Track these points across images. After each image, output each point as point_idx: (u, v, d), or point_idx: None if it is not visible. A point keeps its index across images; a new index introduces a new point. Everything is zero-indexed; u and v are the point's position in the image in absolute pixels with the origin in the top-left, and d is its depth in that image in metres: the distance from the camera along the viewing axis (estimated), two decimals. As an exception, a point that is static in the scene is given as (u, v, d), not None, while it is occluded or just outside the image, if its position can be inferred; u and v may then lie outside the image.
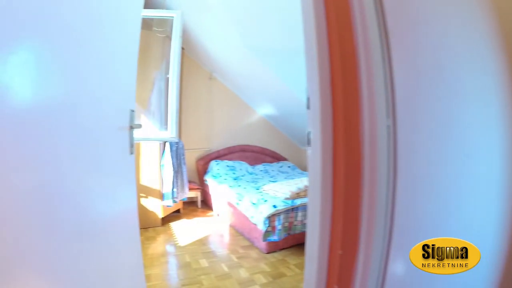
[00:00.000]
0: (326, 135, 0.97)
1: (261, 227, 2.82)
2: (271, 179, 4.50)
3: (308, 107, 1.04)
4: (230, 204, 3.68)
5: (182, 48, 4.40)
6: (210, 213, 4.46)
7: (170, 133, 2.93)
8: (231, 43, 4.01)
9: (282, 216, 2.86)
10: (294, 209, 2.96)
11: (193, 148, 5.12)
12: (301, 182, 3.41)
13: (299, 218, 2.97)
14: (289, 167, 5.49)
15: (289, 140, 6.23)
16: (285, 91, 4.43)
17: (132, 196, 1.72)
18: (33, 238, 0.85)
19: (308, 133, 1.06)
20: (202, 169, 5.01)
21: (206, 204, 4.88)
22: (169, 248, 3.13)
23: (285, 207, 2.90)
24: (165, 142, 3.86)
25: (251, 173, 4.96)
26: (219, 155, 5.26)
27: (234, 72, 4.90)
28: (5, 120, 0.74)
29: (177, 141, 3.35)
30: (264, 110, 5.70)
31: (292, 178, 4.44)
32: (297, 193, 3.09)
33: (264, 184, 3.83)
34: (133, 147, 1.65)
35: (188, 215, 4.34)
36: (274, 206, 2.87)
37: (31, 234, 0.84)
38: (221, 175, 4.64)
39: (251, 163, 5.45)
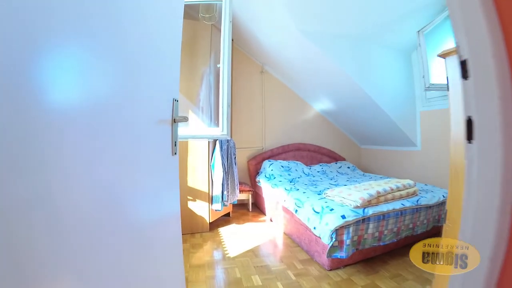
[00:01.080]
0: (508, 120, 0.52)
1: (326, 240, 2.37)
2: (332, 181, 4.02)
3: (465, 75, 0.59)
4: (286, 210, 3.28)
5: (231, 40, 4.09)
6: (262, 217, 4.09)
7: (221, 130, 2.61)
8: (284, 28, 3.59)
9: (351, 229, 2.38)
10: (365, 219, 2.47)
11: (244, 147, 4.81)
12: (371, 187, 2.88)
13: (370, 231, 2.47)
14: (348, 167, 4.95)
15: (347, 138, 5.68)
16: (346, 82, 3.94)
17: (175, 200, 1.40)
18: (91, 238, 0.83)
19: (468, 120, 0.61)
20: (253, 169, 4.67)
21: (257, 207, 4.53)
22: (217, 258, 2.79)
23: (355, 217, 2.42)
24: (215, 141, 3.57)
25: (307, 174, 4.52)
26: (273, 154, 4.88)
27: (288, 63, 4.48)
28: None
29: (228, 138, 3.02)
30: (321, 105, 5.21)
31: (356, 181, 3.92)
32: (369, 201, 2.58)
33: (325, 188, 3.37)
34: (176, 146, 1.32)
35: (239, 219, 4.01)
36: (343, 217, 2.40)
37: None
38: (275, 176, 4.25)
39: (307, 163, 5.00)
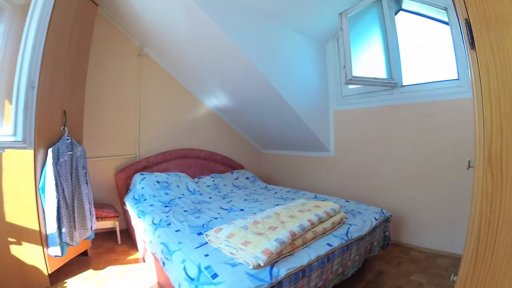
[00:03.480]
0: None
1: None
2: (224, 203, 2.99)
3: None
4: (154, 256, 2.13)
5: (95, 3, 2.81)
6: (134, 254, 2.90)
7: (12, 133, 1.43)
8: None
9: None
10: (275, 287, 1.45)
11: (109, 155, 3.49)
12: (279, 221, 1.97)
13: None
14: (247, 178, 4.10)
15: (246, 141, 4.80)
16: (247, 71, 3.04)
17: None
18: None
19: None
20: (123, 185, 3.39)
21: (130, 236, 3.31)
22: None
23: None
24: (46, 152, 2.27)
25: (193, 192, 3.38)
26: (149, 165, 3.66)
27: (174, 44, 3.33)
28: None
29: (25, 146, 1.83)
30: (214, 100, 4.19)
31: (256, 200, 3.01)
32: (279, 252, 1.59)
33: (212, 219, 2.34)
34: None
35: (100, 259, 2.73)
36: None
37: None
38: (145, 197, 3.02)
39: (195, 175, 3.96)
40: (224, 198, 3.21)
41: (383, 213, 2.56)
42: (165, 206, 2.83)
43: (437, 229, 2.83)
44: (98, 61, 3.32)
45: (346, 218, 2.25)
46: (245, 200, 3.09)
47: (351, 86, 3.56)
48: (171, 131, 4.01)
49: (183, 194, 3.27)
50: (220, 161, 4.31)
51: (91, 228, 2.57)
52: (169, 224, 2.25)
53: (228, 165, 4.39)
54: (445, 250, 2.76)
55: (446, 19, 2.78)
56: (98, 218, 2.94)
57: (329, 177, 3.81)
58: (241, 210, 2.66)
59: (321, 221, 1.99)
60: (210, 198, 3.22)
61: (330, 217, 2.09)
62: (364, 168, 3.42)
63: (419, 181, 2.96)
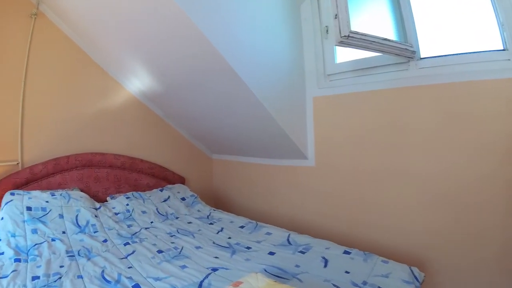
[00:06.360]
0: None
1: None
2: (118, 256, 1.70)
3: None
4: None
5: None
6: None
7: None
8: None
9: None
10: None
11: None
12: None
13: None
14: (183, 199, 2.75)
15: (188, 142, 3.48)
16: (188, 36, 1.82)
17: None
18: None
19: None
20: None
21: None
22: None
23: None
24: None
25: (82, 229, 1.99)
26: (34, 177, 2.34)
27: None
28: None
29: None
30: (138, 83, 2.86)
31: (179, 253, 1.76)
32: None
33: None
34: None
35: None
36: None
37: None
38: (0, 238, 1.72)
39: (108, 192, 2.63)
40: (126, 245, 1.87)
41: (413, 275, 1.38)
42: (15, 260, 1.54)
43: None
44: None
45: None
46: (158, 252, 1.78)
47: (339, 60, 2.36)
48: (74, 127, 2.64)
49: (63, 232, 1.94)
50: (147, 171, 2.96)
51: None
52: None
53: (160, 177, 3.04)
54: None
55: None
56: None
57: (308, 199, 2.58)
58: (135, 286, 1.36)
59: None
60: (104, 241, 1.89)
61: None
62: (360, 185, 2.23)
63: (449, 206, 1.82)
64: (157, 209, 2.45)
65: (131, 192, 2.61)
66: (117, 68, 2.78)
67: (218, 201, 3.51)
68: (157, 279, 1.43)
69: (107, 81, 2.83)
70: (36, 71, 2.42)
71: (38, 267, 1.49)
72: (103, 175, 2.68)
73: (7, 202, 1.96)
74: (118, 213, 2.29)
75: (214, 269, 1.53)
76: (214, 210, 2.65)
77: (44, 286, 1.32)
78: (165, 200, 2.60)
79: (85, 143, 2.69)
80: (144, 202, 2.49)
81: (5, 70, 2.28)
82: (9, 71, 2.31)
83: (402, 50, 1.91)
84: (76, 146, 2.63)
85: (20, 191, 2.12)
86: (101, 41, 2.53)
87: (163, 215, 2.41)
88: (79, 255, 1.68)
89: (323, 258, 1.61)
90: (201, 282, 1.39)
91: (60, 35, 2.54)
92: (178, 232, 2.11)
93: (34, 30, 2.39)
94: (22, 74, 2.35)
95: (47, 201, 2.08)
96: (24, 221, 1.87)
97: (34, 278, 1.38)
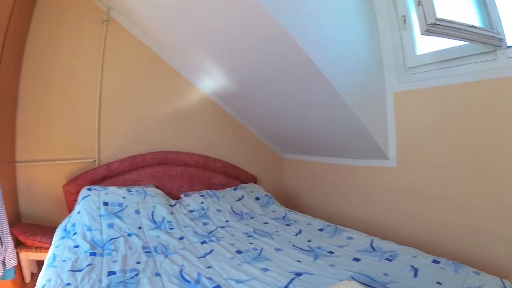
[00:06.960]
0: None
1: None
2: (196, 255, 1.60)
3: None
4: None
5: None
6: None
7: None
8: None
9: None
10: None
11: (57, 158, 2.31)
12: None
13: None
14: (257, 199, 2.60)
15: (259, 141, 3.34)
16: (267, 32, 1.71)
17: None
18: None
19: None
20: (74, 202, 2.14)
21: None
22: None
23: None
24: None
25: (158, 225, 1.96)
26: (110, 174, 2.41)
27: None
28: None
29: None
30: (211, 83, 2.81)
31: (259, 254, 1.62)
32: None
33: None
34: None
35: None
36: None
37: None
38: (76, 230, 1.73)
39: (182, 189, 2.63)
40: (203, 243, 1.76)
41: None
42: (91, 254, 1.51)
43: None
44: (40, 35, 2.24)
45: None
46: (237, 253, 1.65)
47: (419, 51, 2.01)
48: (147, 127, 2.69)
49: (139, 228, 1.91)
50: (219, 170, 2.88)
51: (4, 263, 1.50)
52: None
53: (232, 176, 2.95)
54: None
55: None
56: (30, 248, 1.90)
57: (390, 202, 2.24)
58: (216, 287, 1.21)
59: None
60: (180, 238, 1.81)
61: None
62: (447, 189, 1.85)
63: None
64: (231, 208, 2.33)
65: (205, 190, 2.55)
66: (192, 71, 2.80)
67: (289, 201, 3.31)
68: (238, 281, 1.28)
69: (180, 82, 2.85)
70: (111, 76, 2.51)
71: (114, 262, 1.45)
72: (177, 173, 2.67)
73: (85, 197, 2.00)
74: (193, 211, 2.22)
75: (298, 274, 1.37)
76: (289, 211, 2.47)
77: (121, 282, 1.25)
78: (239, 199, 2.49)
79: (159, 142, 2.74)
80: (218, 200, 2.39)
81: (82, 74, 2.40)
82: (86, 76, 2.42)
83: (489, 38, 1.58)
84: (150, 145, 2.68)
85: (97, 187, 2.16)
86: (176, 44, 2.53)
87: (238, 214, 2.29)
88: (155, 251, 1.61)
89: (412, 267, 1.39)
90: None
91: (131, 39, 2.62)
92: (255, 233, 1.97)
93: (107, 37, 2.49)
94: (98, 77, 2.45)
95: (123, 197, 2.10)
96: (100, 216, 1.89)
97: (110, 273, 1.33)
